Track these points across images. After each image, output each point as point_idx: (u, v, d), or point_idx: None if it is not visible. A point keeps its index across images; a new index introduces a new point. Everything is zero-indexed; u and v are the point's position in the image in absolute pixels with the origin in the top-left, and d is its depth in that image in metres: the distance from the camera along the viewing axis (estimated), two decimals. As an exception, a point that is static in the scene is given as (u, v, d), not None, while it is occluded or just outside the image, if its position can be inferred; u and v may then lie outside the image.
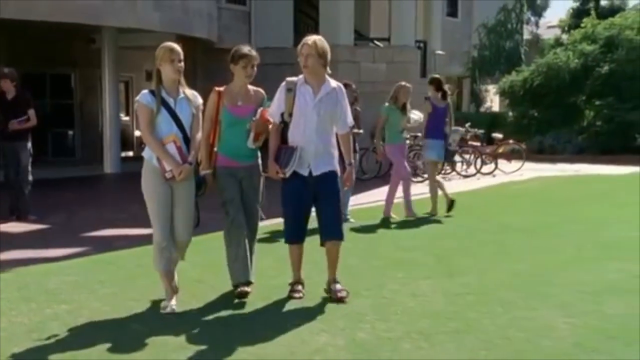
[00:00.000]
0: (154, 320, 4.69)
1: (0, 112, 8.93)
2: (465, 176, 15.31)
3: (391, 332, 4.42)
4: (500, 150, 17.14)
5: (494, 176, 15.50)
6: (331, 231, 5.11)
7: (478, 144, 16.90)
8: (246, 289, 5.08)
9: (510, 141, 17.71)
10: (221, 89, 5.20)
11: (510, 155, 17.30)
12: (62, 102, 18.76)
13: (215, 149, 5.19)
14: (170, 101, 4.82)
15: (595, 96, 21.68)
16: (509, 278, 5.87)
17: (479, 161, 15.70)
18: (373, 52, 16.34)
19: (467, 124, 16.33)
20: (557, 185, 14.12)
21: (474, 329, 4.46)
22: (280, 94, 5.11)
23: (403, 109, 9.27)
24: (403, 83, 9.36)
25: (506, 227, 8.55)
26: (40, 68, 17.44)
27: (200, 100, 5.02)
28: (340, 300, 5.03)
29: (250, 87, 5.24)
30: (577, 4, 35.63)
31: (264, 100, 5.23)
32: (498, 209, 10.61)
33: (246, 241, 5.11)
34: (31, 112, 9.06)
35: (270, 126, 5.14)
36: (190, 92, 4.97)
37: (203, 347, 4.15)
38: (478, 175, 15.41)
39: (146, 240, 5.71)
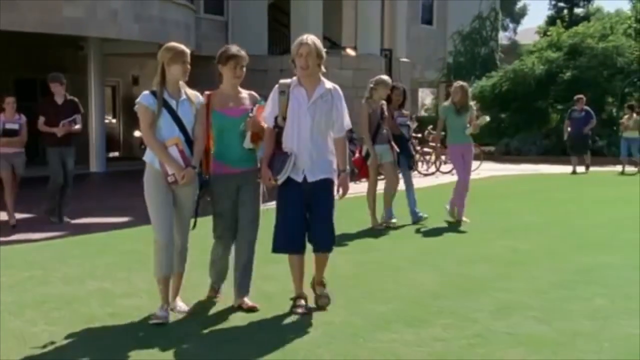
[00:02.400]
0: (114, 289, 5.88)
1: (48, 117, 9.10)
2: (425, 174, 16.52)
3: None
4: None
5: (452, 174, 16.67)
6: (321, 244, 4.96)
7: (439, 144, 18.04)
8: (217, 293, 5.20)
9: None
10: (211, 92, 4.97)
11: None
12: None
13: (211, 155, 5.01)
14: (173, 103, 4.68)
15: (559, 101, 22.94)
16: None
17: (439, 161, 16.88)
18: (340, 60, 17.57)
19: (430, 127, 17.53)
20: (502, 183, 15.32)
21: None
22: (273, 96, 4.90)
23: (460, 109, 8.99)
24: (458, 83, 9.29)
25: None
26: (31, 73, 18.61)
27: (201, 100, 4.85)
28: (321, 308, 4.96)
29: (242, 90, 5.06)
30: (552, 11, 36.93)
31: (258, 100, 5.04)
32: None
33: (230, 256, 5.11)
34: (78, 117, 9.27)
35: (265, 130, 4.93)
36: (192, 93, 4.81)
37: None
38: (437, 173, 16.60)
39: (118, 226, 6.81)
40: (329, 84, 4.89)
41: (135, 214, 8.79)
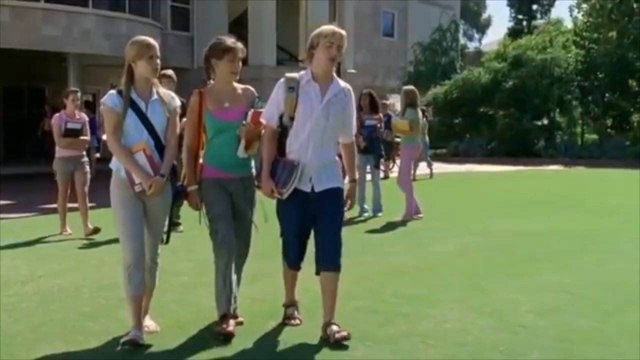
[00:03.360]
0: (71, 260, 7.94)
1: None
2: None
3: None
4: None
5: (392, 172, 18.73)
6: (328, 260, 4.21)
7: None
8: (231, 329, 4.21)
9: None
10: (202, 89, 4.37)
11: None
12: (37, 111, 22.06)
13: (201, 160, 4.41)
14: (141, 104, 4.12)
15: (502, 107, 25.15)
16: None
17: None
18: (293, 70, 19.66)
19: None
20: (430, 180, 17.40)
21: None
22: (278, 93, 4.20)
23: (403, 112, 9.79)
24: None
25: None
26: (19, 82, 20.71)
27: (177, 103, 4.30)
28: (339, 341, 4.05)
29: (237, 85, 4.42)
30: (512, 24, 39.25)
31: (255, 100, 4.39)
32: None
33: (232, 262, 4.34)
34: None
35: (264, 131, 4.29)
36: (166, 93, 4.29)
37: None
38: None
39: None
40: (342, 83, 4.26)
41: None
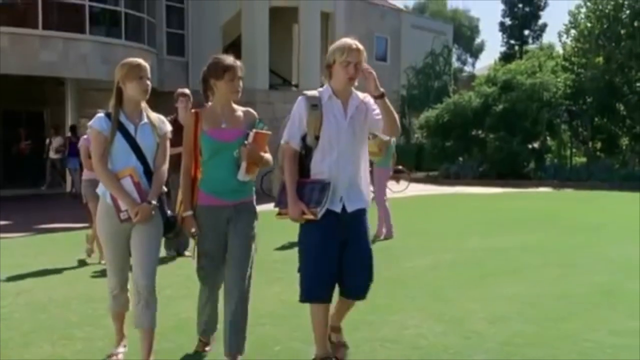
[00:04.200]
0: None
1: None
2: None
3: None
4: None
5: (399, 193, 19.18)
6: (359, 290, 4.04)
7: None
8: (207, 346, 4.43)
9: (399, 167, 21.50)
10: (198, 110, 4.17)
11: (398, 177, 20.95)
12: (37, 134, 22.51)
13: (197, 185, 4.14)
14: (130, 127, 3.97)
15: (493, 130, 25.61)
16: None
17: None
18: (284, 94, 20.20)
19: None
20: (418, 201, 17.82)
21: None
22: (299, 111, 3.94)
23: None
24: None
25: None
26: (17, 106, 21.16)
27: (168, 127, 4.14)
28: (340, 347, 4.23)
29: (237, 107, 4.18)
30: (504, 48, 39.91)
31: (256, 122, 4.17)
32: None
33: (218, 294, 4.30)
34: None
35: (285, 152, 4.01)
36: (156, 117, 4.12)
37: None
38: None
39: (74, 229, 8.93)
40: (360, 94, 4.02)
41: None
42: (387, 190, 10.77)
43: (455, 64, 42.76)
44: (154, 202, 4.00)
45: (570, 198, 18.22)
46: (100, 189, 4.08)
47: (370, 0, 32.03)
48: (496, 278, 6.89)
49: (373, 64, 31.82)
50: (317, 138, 3.92)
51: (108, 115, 4.03)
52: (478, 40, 45.98)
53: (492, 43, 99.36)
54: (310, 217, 3.86)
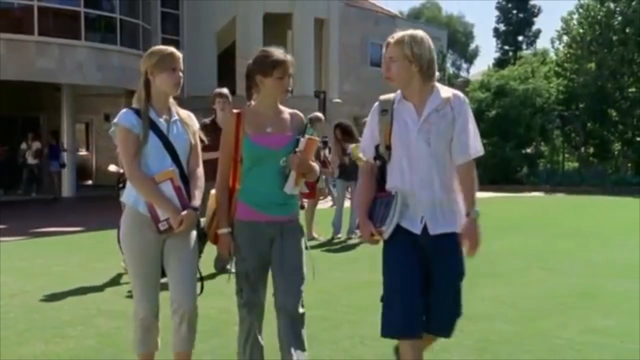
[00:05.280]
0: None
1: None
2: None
3: None
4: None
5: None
6: (439, 326, 3.44)
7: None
8: None
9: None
10: (241, 110, 3.62)
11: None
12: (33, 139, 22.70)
13: (236, 197, 3.60)
14: (162, 124, 3.52)
15: (486, 136, 25.83)
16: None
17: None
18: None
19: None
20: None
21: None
22: (371, 119, 3.46)
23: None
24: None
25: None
26: (13, 111, 21.34)
27: (197, 124, 3.73)
28: None
29: (284, 108, 3.64)
30: (499, 54, 40.19)
31: (307, 126, 3.65)
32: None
33: (260, 326, 3.65)
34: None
35: (362, 166, 3.61)
36: (185, 113, 3.68)
37: None
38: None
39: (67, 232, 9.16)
40: (446, 92, 3.36)
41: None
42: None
43: (450, 69, 43.08)
44: (198, 208, 3.56)
45: (561, 203, 18.44)
46: (129, 197, 3.56)
47: (365, 7, 32.28)
48: (479, 280, 7.02)
49: (368, 70, 32.21)
50: (388, 148, 3.35)
51: (136, 111, 3.53)
52: (472, 46, 46.47)
53: (487, 49, 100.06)
54: (377, 237, 3.34)
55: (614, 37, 25.33)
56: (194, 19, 21.32)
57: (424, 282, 3.31)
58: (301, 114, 3.70)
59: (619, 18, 25.53)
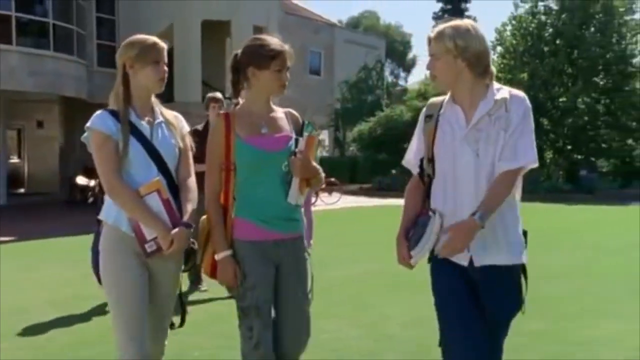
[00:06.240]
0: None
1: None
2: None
3: None
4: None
5: (315, 206, 19.44)
6: None
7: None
8: None
9: (331, 179, 21.83)
10: (229, 111, 3.09)
11: (330, 189, 21.30)
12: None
13: (232, 213, 2.99)
14: (144, 128, 2.98)
15: (424, 144, 26.27)
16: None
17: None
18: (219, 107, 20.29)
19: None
20: (350, 213, 18.12)
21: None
22: (418, 125, 2.91)
23: None
24: None
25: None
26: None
27: (186, 127, 3.14)
28: None
29: (276, 107, 3.12)
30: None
31: (306, 124, 3.11)
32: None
33: None
34: None
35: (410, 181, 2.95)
36: (171, 114, 3.13)
37: None
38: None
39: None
40: (503, 92, 2.74)
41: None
42: (319, 202, 11.04)
43: (388, 78, 43.58)
44: (192, 225, 2.97)
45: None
46: (109, 213, 2.95)
47: (304, 15, 32.44)
48: (417, 286, 7.05)
49: (307, 77, 32.43)
50: (430, 160, 2.80)
51: (113, 113, 2.95)
52: (410, 55, 47.19)
53: (424, 58, 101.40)
54: (408, 263, 2.80)
55: (545, 48, 26.09)
56: (131, 25, 20.96)
57: (479, 318, 2.70)
58: (296, 113, 3.19)
59: (550, 30, 26.31)
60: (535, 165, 2.72)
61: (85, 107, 20.97)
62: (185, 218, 2.94)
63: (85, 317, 5.79)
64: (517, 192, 2.79)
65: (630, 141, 25.82)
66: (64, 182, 21.05)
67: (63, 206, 19.09)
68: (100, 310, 5.92)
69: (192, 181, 3.05)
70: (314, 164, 3.02)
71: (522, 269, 2.78)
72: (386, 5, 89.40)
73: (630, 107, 25.35)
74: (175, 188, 2.99)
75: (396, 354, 4.67)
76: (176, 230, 2.89)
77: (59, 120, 22.21)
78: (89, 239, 5.35)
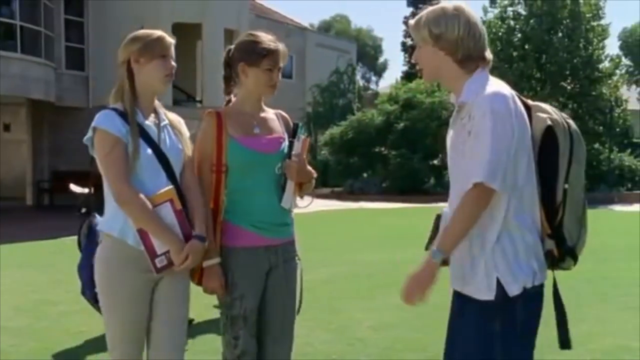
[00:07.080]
0: None
1: None
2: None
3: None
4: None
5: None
6: None
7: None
8: None
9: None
10: (220, 110, 2.95)
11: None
12: None
13: (222, 218, 2.87)
14: (151, 130, 2.75)
15: (395, 147, 26.38)
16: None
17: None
18: (190, 110, 20.16)
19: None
20: (321, 216, 18.09)
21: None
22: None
23: None
24: None
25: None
26: None
27: (187, 131, 2.93)
28: None
29: (266, 108, 3.03)
30: (406, 68, 41.22)
31: (297, 127, 3.05)
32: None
33: None
34: None
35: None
36: (175, 117, 2.93)
37: None
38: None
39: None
40: (474, 89, 2.35)
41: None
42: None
43: (360, 82, 43.75)
44: (208, 237, 2.75)
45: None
46: (115, 227, 2.69)
47: (275, 19, 32.42)
48: (386, 289, 7.17)
49: (279, 80, 32.34)
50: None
51: (120, 113, 2.69)
52: (382, 60, 47.44)
53: (395, 62, 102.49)
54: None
55: (514, 53, 26.40)
56: (100, 27, 20.77)
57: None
58: (284, 113, 3.12)
59: (519, 35, 26.66)
60: (491, 184, 2.24)
61: (53, 110, 20.83)
62: (198, 230, 2.70)
63: (51, 323, 5.72)
64: (498, 211, 2.32)
65: (597, 145, 26.19)
66: (32, 187, 20.77)
67: (31, 211, 18.82)
68: (66, 315, 5.85)
69: (199, 189, 2.82)
70: (309, 167, 2.97)
71: (479, 307, 2.36)
72: (357, 8, 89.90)
73: (597, 111, 25.78)
74: (182, 197, 2.75)
75: (367, 357, 4.68)
76: (190, 243, 2.66)
77: (27, 123, 21.86)
78: (56, 244, 5.28)
